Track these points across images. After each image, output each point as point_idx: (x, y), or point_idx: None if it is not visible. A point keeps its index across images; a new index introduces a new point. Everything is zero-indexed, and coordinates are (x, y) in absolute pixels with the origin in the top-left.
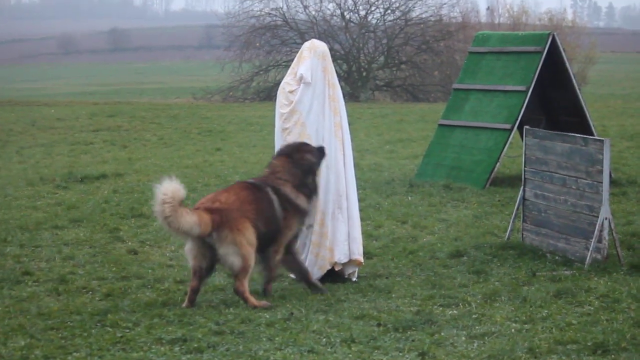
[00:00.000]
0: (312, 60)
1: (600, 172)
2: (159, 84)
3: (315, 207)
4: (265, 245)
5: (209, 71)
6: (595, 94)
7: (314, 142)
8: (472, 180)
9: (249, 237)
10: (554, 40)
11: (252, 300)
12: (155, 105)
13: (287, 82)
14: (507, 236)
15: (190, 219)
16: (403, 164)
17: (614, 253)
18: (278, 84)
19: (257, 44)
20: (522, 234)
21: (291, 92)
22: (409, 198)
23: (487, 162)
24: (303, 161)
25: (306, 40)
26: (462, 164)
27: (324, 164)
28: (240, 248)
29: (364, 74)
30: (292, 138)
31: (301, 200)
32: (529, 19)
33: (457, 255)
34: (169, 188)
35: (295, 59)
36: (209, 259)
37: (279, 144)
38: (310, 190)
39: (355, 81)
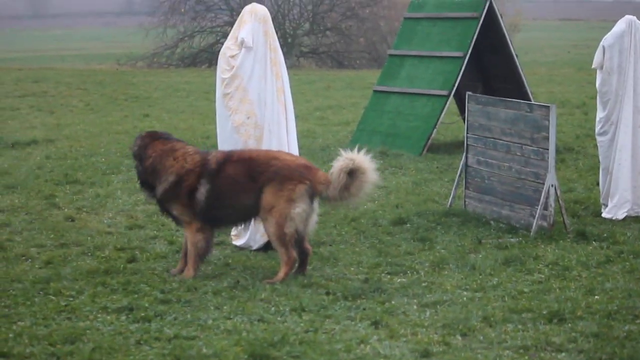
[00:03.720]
0: (253, 24)
1: (546, 138)
2: (80, 51)
3: None
4: None
5: (131, 37)
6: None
7: (256, 107)
8: (408, 147)
9: None
10: (491, 5)
11: None
12: (80, 71)
13: (228, 47)
14: (449, 203)
15: None
16: (335, 130)
17: (560, 220)
18: (203, 50)
19: (182, 10)
20: (465, 201)
21: (232, 56)
22: None
23: (423, 128)
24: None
25: (231, 7)
26: (398, 131)
27: (266, 129)
28: None
29: (289, 40)
30: (234, 103)
31: None
32: None
33: (400, 222)
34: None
35: (236, 23)
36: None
37: (220, 109)
38: None
39: (281, 47)
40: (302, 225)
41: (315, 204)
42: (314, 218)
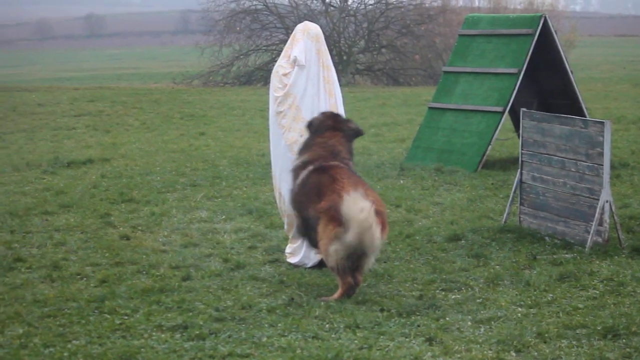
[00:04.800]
0: (306, 42)
1: (601, 154)
2: (136, 69)
3: None
4: None
5: (186, 56)
6: (575, 78)
7: None
8: (463, 164)
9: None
10: (545, 22)
11: None
12: (136, 90)
13: (281, 65)
14: (504, 219)
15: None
16: (391, 147)
17: (614, 236)
18: (258, 68)
19: (237, 29)
20: (520, 217)
21: (285, 75)
22: (401, 182)
23: (478, 145)
24: (351, 130)
25: (286, 25)
26: (453, 147)
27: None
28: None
29: (345, 58)
30: (287, 121)
31: None
32: (509, 3)
33: (455, 239)
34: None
35: (289, 42)
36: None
37: (273, 127)
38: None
39: (336, 65)
40: (342, 261)
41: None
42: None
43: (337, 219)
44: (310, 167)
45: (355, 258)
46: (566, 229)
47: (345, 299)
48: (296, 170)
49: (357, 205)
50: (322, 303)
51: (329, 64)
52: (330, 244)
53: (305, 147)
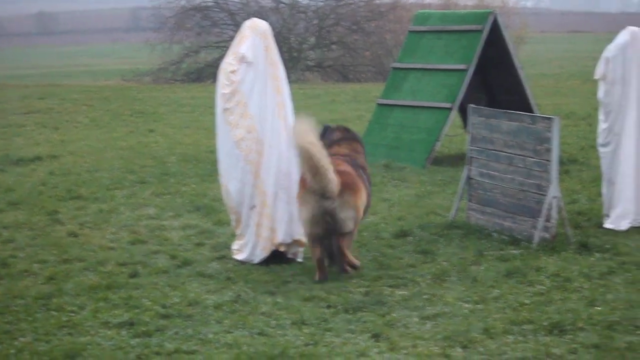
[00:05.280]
0: (254, 39)
1: (549, 150)
2: (88, 67)
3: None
4: None
5: (137, 53)
6: (526, 74)
7: (256, 122)
8: (412, 160)
9: (363, 202)
10: (495, 18)
11: (353, 259)
12: (86, 87)
13: (229, 62)
14: (451, 215)
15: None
16: None
17: (562, 232)
18: (208, 65)
19: (188, 25)
20: (467, 213)
21: (232, 72)
22: None
23: (427, 141)
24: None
25: (236, 21)
26: (402, 144)
27: (267, 143)
28: (357, 213)
29: (295, 54)
30: (234, 118)
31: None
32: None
33: (402, 235)
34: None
35: (236, 39)
36: (325, 225)
37: (221, 124)
38: None
39: (286, 62)
40: (308, 227)
41: (329, 204)
42: (340, 219)
43: (303, 184)
44: None
45: (322, 219)
46: (514, 225)
47: (322, 281)
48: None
49: (303, 135)
50: (269, 299)
51: (277, 60)
52: (299, 209)
53: None
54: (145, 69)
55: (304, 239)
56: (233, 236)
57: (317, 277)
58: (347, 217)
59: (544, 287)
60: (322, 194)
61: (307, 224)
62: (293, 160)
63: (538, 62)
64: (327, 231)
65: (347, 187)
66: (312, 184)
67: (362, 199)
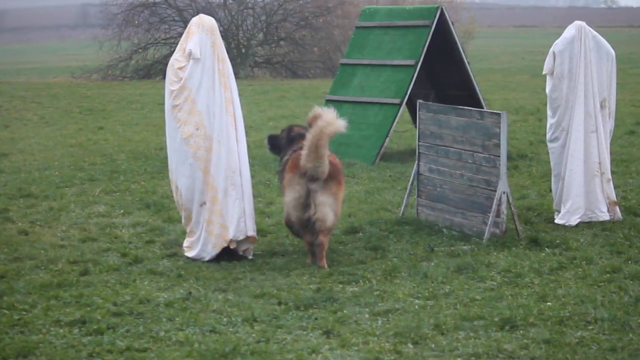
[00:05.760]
0: (201, 35)
1: (497, 145)
2: (36, 64)
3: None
4: None
5: (86, 50)
6: (474, 69)
7: (204, 118)
8: (361, 156)
9: (342, 196)
10: (442, 13)
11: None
12: (34, 84)
13: (176, 59)
14: (401, 212)
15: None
16: None
17: (512, 227)
18: (157, 62)
19: (136, 22)
20: (417, 209)
21: (180, 68)
22: None
23: (376, 137)
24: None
25: (184, 18)
26: (351, 140)
27: (215, 139)
28: (337, 203)
29: (243, 50)
30: (183, 115)
31: None
32: None
33: (353, 231)
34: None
35: (184, 35)
36: (306, 210)
37: (169, 121)
38: None
39: (235, 58)
40: (294, 211)
41: (317, 187)
42: (321, 202)
43: (293, 168)
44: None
45: (305, 202)
46: (464, 221)
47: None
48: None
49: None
50: (220, 296)
51: (224, 57)
52: (285, 195)
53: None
54: (94, 66)
55: (255, 235)
56: (184, 233)
57: (308, 261)
58: (326, 203)
59: (495, 283)
60: (311, 176)
61: (291, 206)
62: (242, 155)
63: (486, 57)
64: (308, 218)
65: (333, 177)
66: (305, 163)
67: (342, 192)
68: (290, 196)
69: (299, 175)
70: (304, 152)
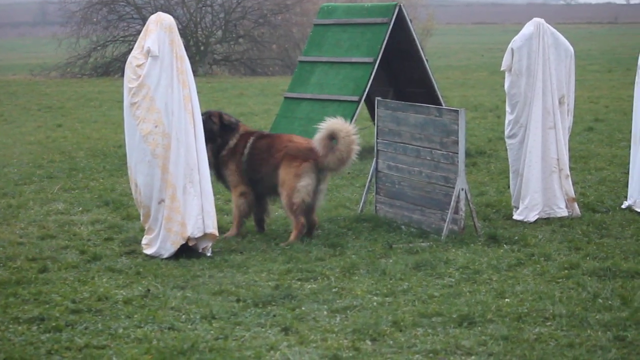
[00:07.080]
0: (159, 33)
1: (456, 142)
2: None
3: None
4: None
5: (44, 48)
6: (433, 66)
7: (163, 116)
8: None
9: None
10: (400, 11)
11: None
12: None
13: (135, 56)
14: (360, 209)
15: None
16: None
17: (470, 224)
18: (115, 59)
19: (94, 20)
20: (376, 206)
21: (139, 66)
22: None
23: None
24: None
25: (143, 15)
26: (310, 137)
27: (174, 137)
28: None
29: (202, 48)
30: (141, 112)
31: None
32: None
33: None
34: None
35: (142, 33)
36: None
37: (128, 119)
38: None
39: (193, 55)
40: (308, 197)
41: (321, 178)
42: (322, 192)
43: (299, 157)
44: (252, 138)
45: (314, 190)
46: (422, 218)
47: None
48: (233, 151)
49: (342, 124)
50: (179, 293)
51: (183, 54)
52: (299, 180)
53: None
54: (53, 63)
55: (215, 232)
56: (142, 230)
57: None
58: (324, 190)
59: (453, 280)
60: (330, 167)
61: (307, 191)
62: (201, 152)
63: (445, 54)
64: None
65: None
66: (330, 165)
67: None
68: (308, 183)
69: (316, 167)
70: (332, 157)
